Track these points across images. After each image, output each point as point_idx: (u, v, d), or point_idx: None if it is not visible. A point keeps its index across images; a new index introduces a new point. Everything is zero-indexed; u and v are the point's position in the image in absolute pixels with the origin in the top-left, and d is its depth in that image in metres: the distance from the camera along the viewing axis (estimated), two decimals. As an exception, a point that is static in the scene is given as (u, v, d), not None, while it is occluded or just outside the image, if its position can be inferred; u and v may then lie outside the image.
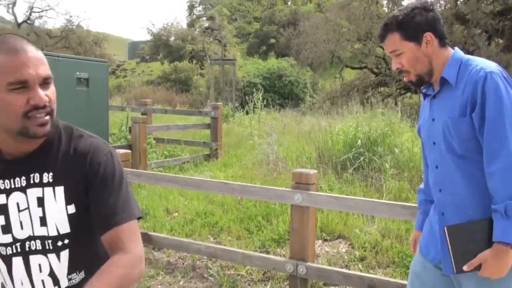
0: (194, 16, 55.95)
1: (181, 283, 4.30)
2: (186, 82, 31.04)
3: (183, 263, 4.67)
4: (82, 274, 1.50)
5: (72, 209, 1.43)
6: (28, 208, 1.42)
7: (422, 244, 2.21)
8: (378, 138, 6.96)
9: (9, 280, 1.48)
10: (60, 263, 1.45)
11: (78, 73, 7.95)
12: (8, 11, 42.58)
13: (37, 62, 1.36)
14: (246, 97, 22.09)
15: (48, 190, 1.42)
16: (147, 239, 4.69)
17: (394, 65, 2.08)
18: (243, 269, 4.48)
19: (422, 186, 2.38)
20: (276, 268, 4.18)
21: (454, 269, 1.92)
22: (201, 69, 33.66)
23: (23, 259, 1.44)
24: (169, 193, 6.44)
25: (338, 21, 24.40)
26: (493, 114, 1.83)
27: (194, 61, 35.14)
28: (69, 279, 1.48)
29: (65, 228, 1.43)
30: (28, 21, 39.00)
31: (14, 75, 1.31)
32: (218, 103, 9.73)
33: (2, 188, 1.43)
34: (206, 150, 9.68)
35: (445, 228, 1.94)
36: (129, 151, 5.26)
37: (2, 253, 1.46)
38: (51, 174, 1.43)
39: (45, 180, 1.43)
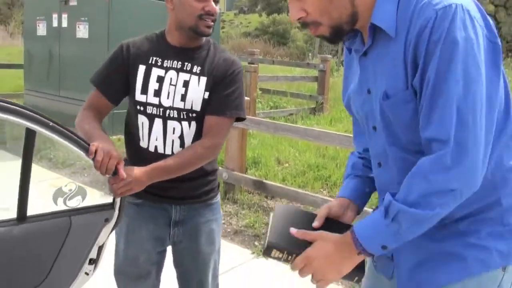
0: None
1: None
2: (283, 35, 30.68)
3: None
4: None
5: (207, 95, 1.88)
6: (175, 85, 1.88)
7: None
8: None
9: (147, 134, 1.90)
10: (189, 130, 1.89)
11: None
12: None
13: None
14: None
15: (194, 78, 1.89)
16: (261, 186, 4.69)
17: (294, 14, 1.25)
18: (358, 224, 4.37)
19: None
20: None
21: (264, 247, 1.30)
22: (300, 22, 33.05)
23: (163, 121, 1.88)
24: (279, 143, 6.40)
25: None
26: (436, 73, 1.10)
27: (293, 15, 34.53)
28: None
29: (197, 107, 1.88)
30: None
31: None
32: (328, 56, 9.46)
33: (164, 65, 1.90)
34: (312, 104, 9.52)
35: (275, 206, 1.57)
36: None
37: (148, 111, 1.89)
38: (199, 68, 1.90)
39: (194, 70, 1.89)
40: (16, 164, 1.62)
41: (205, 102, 1.87)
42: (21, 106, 1.52)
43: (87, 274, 1.81)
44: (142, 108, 1.89)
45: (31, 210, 1.65)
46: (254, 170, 5.47)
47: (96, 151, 1.62)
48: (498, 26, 21.16)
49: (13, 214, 1.62)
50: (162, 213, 1.97)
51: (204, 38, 1.93)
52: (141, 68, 1.89)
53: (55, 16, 7.86)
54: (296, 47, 27.66)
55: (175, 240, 2.01)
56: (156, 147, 1.89)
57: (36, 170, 5.68)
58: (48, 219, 1.67)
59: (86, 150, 1.64)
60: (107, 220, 1.79)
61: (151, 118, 1.89)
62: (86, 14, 7.38)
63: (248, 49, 11.72)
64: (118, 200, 1.79)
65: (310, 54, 19.56)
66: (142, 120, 1.90)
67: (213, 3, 1.84)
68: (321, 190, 5.10)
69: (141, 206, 1.97)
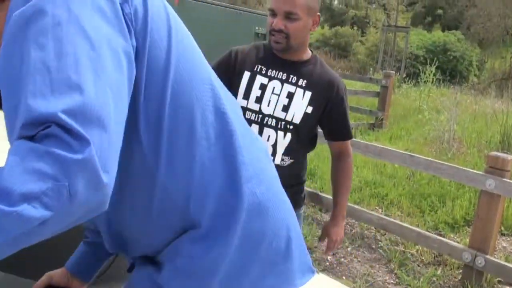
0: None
1: (348, 249, 4.21)
2: (345, 48, 30.42)
3: (351, 230, 4.57)
4: (290, 160, 1.98)
5: (309, 110, 1.93)
6: (279, 95, 1.94)
7: None
8: None
9: None
10: (284, 140, 1.94)
11: (257, 27, 8.07)
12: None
13: (286, 0, 1.82)
14: (407, 69, 21.14)
15: (299, 91, 1.94)
16: (316, 199, 4.65)
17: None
18: (413, 248, 4.26)
19: None
20: (452, 254, 3.90)
21: None
22: (362, 36, 32.73)
23: (259, 128, 1.95)
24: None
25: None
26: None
27: (356, 27, 34.25)
28: (282, 159, 1.97)
29: (297, 120, 1.93)
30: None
31: (270, 4, 1.89)
32: (391, 72, 9.28)
33: (268, 74, 1.96)
34: (371, 119, 9.37)
35: None
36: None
37: (247, 116, 1.95)
38: (305, 81, 1.94)
39: (299, 83, 1.95)
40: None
41: (306, 115, 1.93)
42: None
43: None
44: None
45: None
46: (310, 182, 5.44)
47: None
48: None
49: None
50: None
51: (310, 53, 2.00)
52: (246, 74, 1.97)
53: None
54: (357, 60, 27.35)
55: None
56: None
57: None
58: None
59: None
60: None
61: (248, 123, 1.90)
62: (155, 17, 7.55)
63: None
64: None
65: (371, 69, 19.30)
66: None
67: (279, 20, 1.85)
68: (377, 208, 5.00)
69: None
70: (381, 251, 4.19)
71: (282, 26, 1.85)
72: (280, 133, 1.94)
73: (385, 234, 4.43)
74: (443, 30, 31.55)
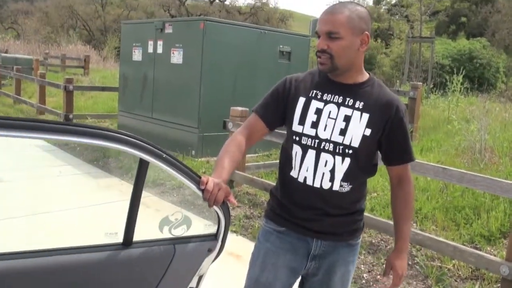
0: (381, -8, 54.19)
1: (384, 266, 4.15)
2: (369, 61, 30.27)
3: (386, 246, 4.52)
4: (349, 186, 1.91)
5: (368, 132, 1.87)
6: (335, 119, 1.89)
7: None
8: None
9: (299, 163, 1.93)
10: (342, 165, 1.88)
11: (281, 46, 8.12)
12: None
13: (327, 20, 1.83)
14: (433, 79, 20.89)
15: (356, 113, 1.88)
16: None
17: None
18: (450, 262, 4.18)
19: None
20: (489, 268, 3.81)
21: None
22: (386, 48, 32.58)
23: (316, 153, 1.89)
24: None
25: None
26: None
27: (379, 40, 34.11)
28: (341, 185, 1.90)
29: (356, 143, 1.86)
30: (220, -1, 41.31)
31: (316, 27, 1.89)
32: (419, 83, 9.20)
33: (324, 98, 1.92)
34: (399, 132, 9.28)
35: None
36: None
37: (303, 142, 1.91)
38: (362, 103, 1.89)
39: (356, 106, 1.89)
40: (111, 182, 1.67)
41: (365, 138, 1.87)
42: (136, 137, 1.58)
43: None
44: (297, 138, 1.93)
45: (136, 235, 1.69)
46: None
47: (207, 183, 1.66)
48: None
49: (120, 239, 1.69)
50: (303, 244, 1.99)
51: (367, 75, 1.96)
52: (301, 100, 1.94)
53: (150, 43, 8.28)
54: (382, 73, 27.23)
55: (309, 272, 2.03)
56: (305, 178, 1.91)
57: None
58: (153, 245, 1.72)
59: (197, 182, 1.68)
60: (210, 251, 1.83)
61: (305, 148, 1.91)
62: (181, 40, 7.71)
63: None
64: (221, 231, 1.83)
65: (398, 81, 19.16)
66: (296, 150, 1.94)
67: (322, 40, 1.85)
68: (411, 222, 4.93)
69: (283, 234, 2.01)
70: (417, 267, 4.13)
71: (324, 46, 1.83)
72: (338, 158, 1.88)
73: (420, 249, 4.37)
74: (467, 38, 31.23)
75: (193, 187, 1.69)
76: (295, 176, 1.94)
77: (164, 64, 8.01)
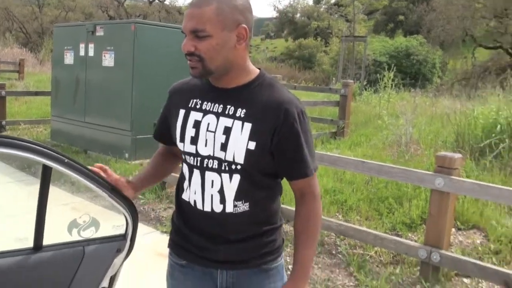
0: (321, -8, 55.25)
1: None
2: (309, 60, 30.95)
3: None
4: (246, 206, 1.64)
5: (252, 145, 1.56)
6: (215, 132, 1.60)
7: None
8: (520, 124, 6.44)
9: (187, 185, 1.69)
10: (231, 184, 1.60)
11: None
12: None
13: (191, 15, 1.52)
14: (371, 76, 21.53)
15: (237, 123, 1.58)
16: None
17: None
18: (372, 249, 4.41)
19: None
20: (408, 253, 4.06)
21: None
22: (326, 46, 33.27)
23: (200, 173, 1.63)
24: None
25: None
26: None
27: (319, 38, 34.79)
28: (235, 205, 1.63)
29: (240, 159, 1.57)
30: (160, -1, 40.97)
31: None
32: (350, 81, 9.57)
33: (203, 108, 1.63)
34: (333, 128, 9.59)
35: None
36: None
37: (187, 161, 1.67)
38: (244, 111, 1.58)
39: (237, 114, 1.58)
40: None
41: (249, 153, 1.57)
42: (37, 143, 1.61)
43: None
44: (184, 157, 1.70)
45: (52, 234, 1.73)
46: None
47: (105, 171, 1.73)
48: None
49: (30, 243, 1.70)
50: (208, 277, 1.73)
51: (254, 74, 1.65)
52: (181, 113, 1.68)
53: (82, 45, 8.19)
54: (322, 71, 27.83)
55: None
56: (195, 201, 1.67)
57: (59, 193, 5.84)
58: (63, 248, 1.74)
59: (102, 186, 1.72)
60: (119, 251, 1.84)
61: (190, 168, 1.67)
62: (112, 43, 7.67)
63: (272, 75, 11.87)
64: (129, 231, 1.89)
65: (334, 78, 19.66)
66: (185, 170, 1.71)
67: (187, 41, 1.55)
68: (337, 214, 5.15)
69: (185, 268, 1.76)
70: (340, 255, 4.33)
71: (191, 48, 1.53)
72: (225, 176, 1.60)
73: (344, 239, 4.57)
74: (405, 36, 32.25)
75: (97, 190, 1.72)
76: (187, 199, 1.70)
77: (96, 67, 7.94)
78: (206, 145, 1.61)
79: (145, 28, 7.48)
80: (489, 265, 3.82)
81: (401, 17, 41.05)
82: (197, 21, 1.50)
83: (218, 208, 1.62)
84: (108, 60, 7.69)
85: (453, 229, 4.72)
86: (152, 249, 4.43)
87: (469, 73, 23.79)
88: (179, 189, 1.76)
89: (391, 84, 10.83)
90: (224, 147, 1.57)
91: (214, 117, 1.60)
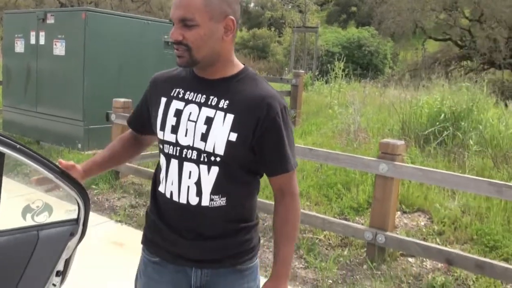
0: (274, -18, 55.38)
1: (261, 241, 4.46)
2: (263, 50, 31.04)
3: (263, 224, 4.84)
4: (223, 201, 1.62)
5: (233, 137, 1.56)
6: (196, 122, 1.59)
7: None
8: (462, 113, 6.79)
9: (164, 176, 1.67)
10: (209, 176, 1.59)
11: (166, 36, 8.19)
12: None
13: (180, 3, 1.52)
14: (324, 66, 21.87)
15: (220, 114, 1.58)
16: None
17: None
18: (321, 233, 4.59)
19: None
20: (355, 235, 4.26)
21: None
22: (279, 36, 33.48)
23: (178, 163, 1.61)
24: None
25: (424, -12, 23.39)
26: None
27: (273, 29, 34.97)
28: (211, 199, 1.61)
29: (220, 150, 1.56)
30: (113, -14, 40.03)
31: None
32: (301, 71, 9.75)
33: (186, 97, 1.63)
34: (285, 117, 9.75)
35: None
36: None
37: (165, 150, 1.65)
38: (227, 102, 1.58)
39: (220, 105, 1.58)
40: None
41: (230, 144, 1.56)
42: None
43: (54, 285, 1.90)
44: (161, 146, 1.69)
45: (7, 221, 1.75)
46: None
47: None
48: (473, 40, 21.77)
49: None
50: (182, 276, 1.71)
51: (239, 67, 1.66)
52: (163, 101, 1.67)
53: (32, 33, 8.00)
54: (276, 61, 27.99)
55: None
56: (171, 193, 1.64)
57: (15, 185, 5.82)
58: (17, 233, 1.77)
59: (53, 171, 1.75)
60: (72, 235, 1.87)
61: (168, 158, 1.65)
62: (63, 31, 7.54)
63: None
64: (81, 216, 1.95)
65: (286, 69, 19.88)
66: (162, 160, 1.69)
67: (175, 29, 1.55)
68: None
69: (159, 266, 1.74)
70: (291, 240, 4.48)
71: (179, 36, 1.53)
72: (203, 168, 1.58)
73: (295, 224, 4.73)
74: (357, 27, 32.78)
75: (49, 175, 1.77)
76: (163, 191, 1.68)
77: (47, 56, 7.79)
78: (186, 135, 1.60)
79: (96, 16, 7.39)
80: (432, 245, 4.05)
81: (354, 8, 41.74)
82: (185, 9, 1.50)
83: (194, 200, 1.61)
84: (59, 48, 7.57)
85: (399, 212, 4.97)
86: (106, 238, 4.48)
87: (419, 64, 24.47)
88: (156, 182, 1.74)
89: (342, 74, 11.09)
90: (204, 137, 1.57)
91: (196, 107, 1.60)
